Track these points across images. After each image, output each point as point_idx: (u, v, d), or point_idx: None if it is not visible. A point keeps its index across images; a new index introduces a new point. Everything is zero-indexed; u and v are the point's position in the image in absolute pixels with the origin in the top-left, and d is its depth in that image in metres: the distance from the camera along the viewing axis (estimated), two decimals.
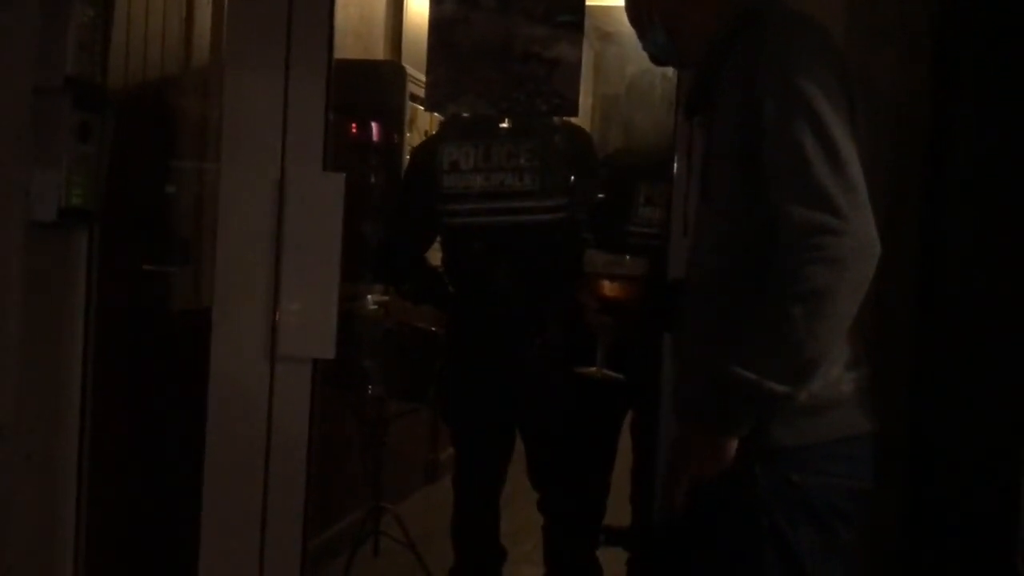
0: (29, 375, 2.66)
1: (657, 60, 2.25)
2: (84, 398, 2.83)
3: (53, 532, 2.81)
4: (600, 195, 3.94)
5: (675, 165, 2.61)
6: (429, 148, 3.78)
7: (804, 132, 1.85)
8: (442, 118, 4.09)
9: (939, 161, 2.61)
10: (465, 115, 3.56)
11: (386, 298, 4.83)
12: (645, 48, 2.19)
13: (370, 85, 4.31)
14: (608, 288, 2.13)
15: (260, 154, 2.77)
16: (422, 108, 4.60)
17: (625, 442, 4.34)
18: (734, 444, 1.88)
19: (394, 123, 4.37)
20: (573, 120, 3.73)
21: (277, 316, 2.76)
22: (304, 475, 2.82)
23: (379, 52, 5.37)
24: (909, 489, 2.42)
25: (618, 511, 4.43)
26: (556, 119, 3.60)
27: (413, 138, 4.53)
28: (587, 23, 3.31)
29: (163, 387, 3.23)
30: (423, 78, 4.63)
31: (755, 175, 1.89)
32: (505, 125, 3.56)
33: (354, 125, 4.30)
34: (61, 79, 2.64)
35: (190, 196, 3.52)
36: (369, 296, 4.73)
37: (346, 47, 4.59)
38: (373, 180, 4.45)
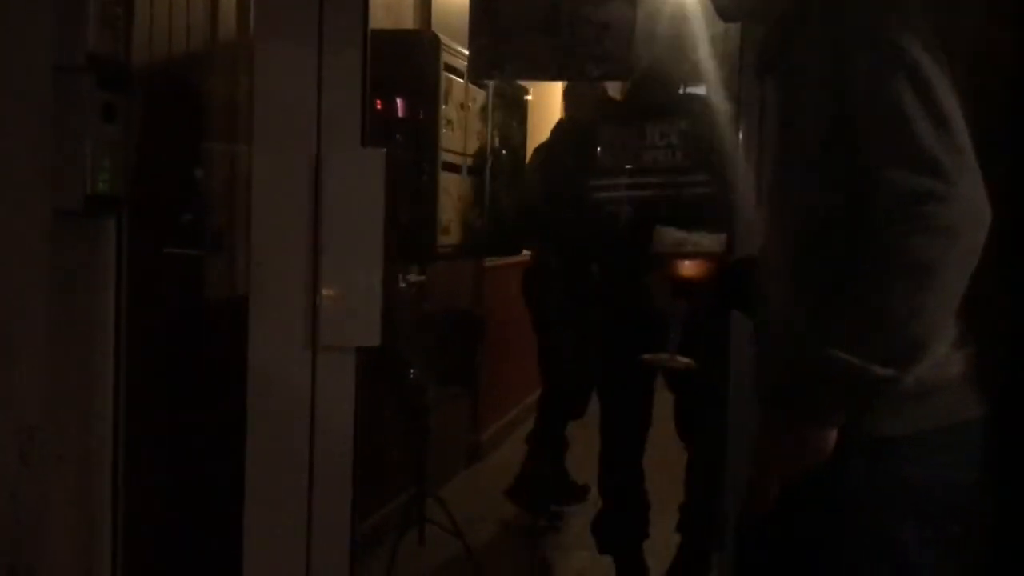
0: (58, 374, 2.52)
1: (727, 14, 2.07)
2: (117, 395, 2.69)
3: (90, 535, 2.67)
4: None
5: (740, 131, 2.44)
6: (580, 126, 4.04)
7: (903, 88, 1.67)
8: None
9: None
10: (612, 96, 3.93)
11: (422, 278, 4.68)
12: (715, 1, 2.01)
13: (403, 57, 4.14)
14: (681, 268, 1.96)
15: (294, 132, 2.62)
16: (457, 79, 4.43)
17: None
18: (832, 435, 1.71)
19: (429, 96, 4.19)
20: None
21: (318, 303, 2.61)
22: (351, 469, 2.68)
23: (408, 22, 5.20)
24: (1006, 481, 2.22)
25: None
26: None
27: (449, 111, 4.35)
28: None
29: (199, 380, 3.10)
30: (457, 48, 4.49)
31: (846, 139, 1.72)
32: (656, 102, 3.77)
33: (379, 101, 4.14)
34: (83, 57, 2.48)
35: (220, 179, 3.38)
36: (400, 275, 4.58)
37: (375, 18, 4.41)
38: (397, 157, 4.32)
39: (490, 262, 5.98)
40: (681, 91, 3.89)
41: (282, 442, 2.67)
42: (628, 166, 3.82)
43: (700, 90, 3.85)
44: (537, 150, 5.43)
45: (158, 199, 2.96)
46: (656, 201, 3.78)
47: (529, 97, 5.56)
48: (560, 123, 5.36)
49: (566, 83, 5.26)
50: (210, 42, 3.32)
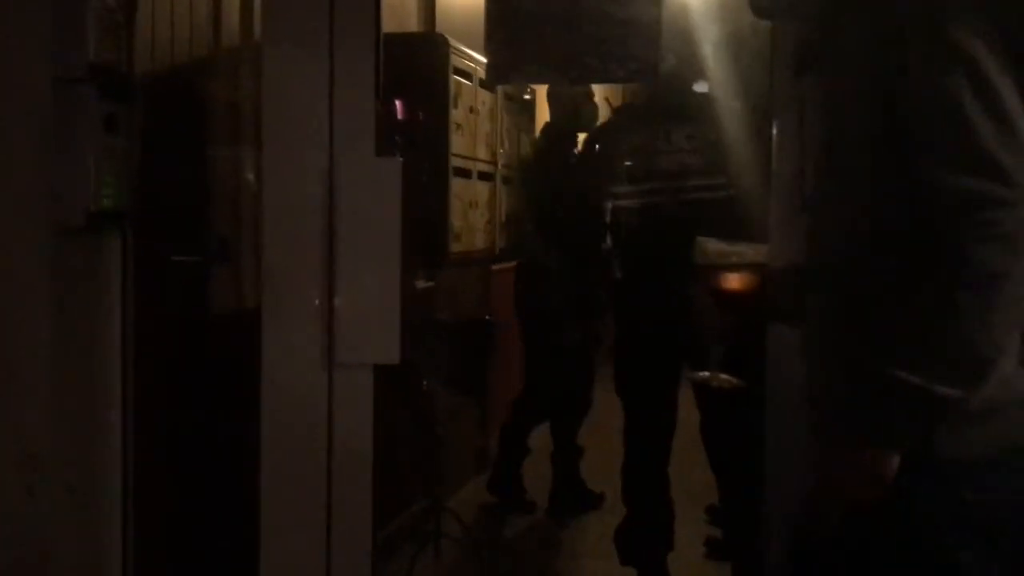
0: (64, 400, 2.40)
1: (762, 9, 1.96)
2: (125, 419, 2.57)
3: (99, 571, 2.56)
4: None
5: (774, 132, 2.32)
6: (608, 132, 4.00)
7: (961, 86, 1.57)
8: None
9: None
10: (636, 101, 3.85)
11: (430, 284, 4.58)
12: None
13: (411, 60, 4.03)
14: (726, 280, 1.85)
15: (306, 141, 2.50)
16: (466, 82, 4.33)
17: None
18: (895, 460, 1.60)
19: (439, 99, 4.08)
20: None
21: (333, 319, 2.50)
22: (369, 490, 2.57)
23: (412, 24, 5.10)
24: None
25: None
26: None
27: (459, 114, 4.25)
28: None
29: (210, 399, 2.99)
30: (465, 50, 4.39)
31: (900, 141, 1.61)
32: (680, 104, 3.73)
33: (391, 105, 4.04)
34: (84, 67, 2.37)
35: (226, 189, 3.27)
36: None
37: None
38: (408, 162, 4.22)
39: (497, 266, 5.87)
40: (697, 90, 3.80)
41: (298, 463, 2.56)
42: (654, 170, 3.76)
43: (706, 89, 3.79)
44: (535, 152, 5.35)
45: (163, 210, 2.85)
46: (686, 208, 3.70)
47: (527, 96, 5.47)
48: (547, 126, 5.30)
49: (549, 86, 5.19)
50: (213, 47, 3.21)
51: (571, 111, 5.34)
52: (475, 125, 4.44)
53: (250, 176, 3.23)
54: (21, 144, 2.32)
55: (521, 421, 5.45)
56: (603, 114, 5.01)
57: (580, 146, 5.33)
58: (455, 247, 4.29)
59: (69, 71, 2.36)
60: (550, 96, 5.28)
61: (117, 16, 2.49)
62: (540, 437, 6.07)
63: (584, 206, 4.97)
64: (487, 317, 4.47)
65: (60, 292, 2.40)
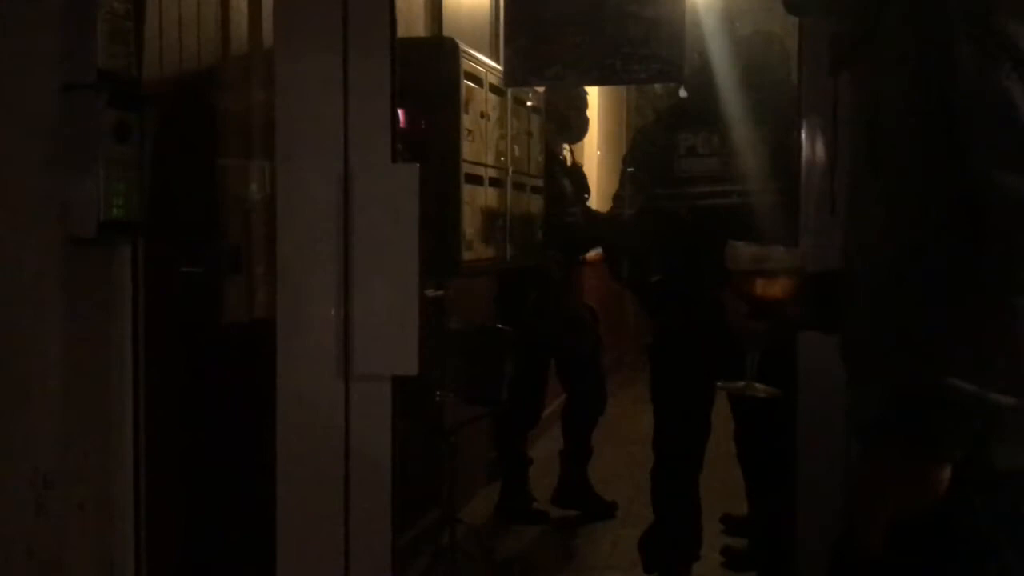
0: (75, 416, 2.35)
1: (795, 6, 1.90)
2: (137, 434, 2.51)
3: None
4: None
5: (803, 131, 2.26)
6: (661, 133, 3.91)
7: (1012, 79, 1.50)
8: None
9: None
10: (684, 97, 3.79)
11: (440, 292, 4.51)
12: None
13: (422, 65, 3.96)
14: (760, 287, 1.78)
15: (320, 148, 2.46)
16: (477, 87, 4.27)
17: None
18: (947, 471, 1.53)
19: (450, 105, 4.02)
20: None
21: (350, 330, 2.44)
22: (389, 503, 2.52)
23: (419, 28, 5.04)
24: None
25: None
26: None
27: (469, 120, 4.18)
28: None
29: (224, 411, 2.93)
30: (475, 54, 4.32)
31: (947, 138, 1.54)
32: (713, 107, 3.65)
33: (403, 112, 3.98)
34: (93, 74, 2.31)
35: (238, 199, 3.21)
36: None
37: None
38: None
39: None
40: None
41: (315, 477, 2.51)
42: (692, 174, 3.74)
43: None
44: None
45: (176, 220, 2.79)
46: (718, 211, 3.66)
47: (531, 104, 5.42)
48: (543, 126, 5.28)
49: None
50: (223, 54, 3.15)
51: (561, 122, 5.33)
52: (485, 131, 4.38)
53: (262, 185, 3.18)
54: (30, 153, 2.26)
55: (509, 430, 5.43)
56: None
57: (566, 157, 5.38)
58: (467, 255, 4.22)
59: (78, 77, 2.30)
60: (546, 104, 5.26)
61: (126, 23, 2.43)
62: (549, 446, 6.04)
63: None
64: (500, 326, 4.39)
65: (70, 304, 2.35)
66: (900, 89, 1.62)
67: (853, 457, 1.76)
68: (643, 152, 4.08)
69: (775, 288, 1.79)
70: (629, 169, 4.32)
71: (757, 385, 1.88)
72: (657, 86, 7.80)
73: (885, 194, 1.67)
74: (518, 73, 2.93)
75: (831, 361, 1.81)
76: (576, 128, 5.51)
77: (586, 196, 5.61)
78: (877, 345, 1.66)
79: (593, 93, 6.79)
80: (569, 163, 5.55)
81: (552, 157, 5.34)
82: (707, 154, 3.67)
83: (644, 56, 2.71)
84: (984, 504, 1.56)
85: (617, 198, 4.99)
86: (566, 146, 5.56)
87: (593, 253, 5.80)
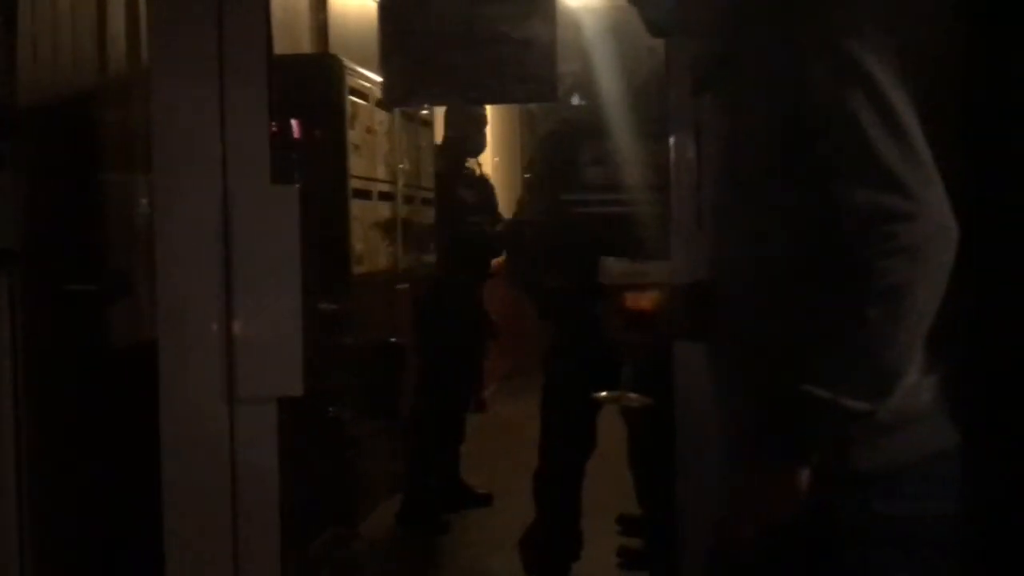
0: None
1: (657, 28, 1.95)
2: (20, 464, 2.48)
3: None
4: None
5: (672, 151, 2.32)
6: (566, 141, 3.96)
7: (858, 101, 1.57)
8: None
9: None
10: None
11: (334, 307, 4.51)
12: (645, 14, 1.89)
13: (305, 81, 3.97)
14: (632, 300, 1.83)
15: (198, 170, 2.44)
16: (363, 103, 4.28)
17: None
18: (807, 473, 1.59)
19: (335, 121, 4.02)
20: None
21: (232, 352, 2.43)
22: (276, 528, 2.50)
23: (304, 45, 5.03)
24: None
25: None
26: None
27: (356, 135, 4.20)
28: None
29: (109, 437, 2.90)
30: (360, 70, 4.34)
31: (802, 156, 1.61)
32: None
33: (273, 124, 3.98)
34: None
35: (122, 219, 3.18)
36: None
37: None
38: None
39: (403, 286, 5.82)
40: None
41: (201, 500, 2.49)
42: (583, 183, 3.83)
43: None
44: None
45: (59, 244, 2.76)
46: (615, 220, 3.69)
47: (425, 112, 5.46)
48: (442, 146, 5.31)
49: None
50: (100, 75, 3.12)
51: (460, 135, 5.36)
52: (373, 145, 4.39)
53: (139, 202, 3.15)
54: None
55: (431, 439, 5.43)
56: None
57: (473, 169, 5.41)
58: (357, 269, 4.23)
59: None
60: (445, 116, 5.28)
61: None
62: None
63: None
64: (393, 340, 4.41)
65: None
66: (759, 111, 1.68)
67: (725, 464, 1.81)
68: (549, 158, 4.12)
69: (644, 301, 1.83)
70: (527, 175, 4.36)
71: (631, 395, 1.93)
72: None
73: (748, 210, 1.73)
74: (396, 93, 2.94)
75: (704, 369, 1.86)
76: (473, 143, 5.52)
77: (496, 205, 5.62)
78: (746, 354, 1.72)
79: None
80: (477, 174, 5.56)
81: (455, 171, 5.35)
82: (610, 163, 3.72)
83: (519, 76, 2.75)
84: (843, 505, 1.62)
85: (521, 203, 5.02)
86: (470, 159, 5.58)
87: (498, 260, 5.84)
